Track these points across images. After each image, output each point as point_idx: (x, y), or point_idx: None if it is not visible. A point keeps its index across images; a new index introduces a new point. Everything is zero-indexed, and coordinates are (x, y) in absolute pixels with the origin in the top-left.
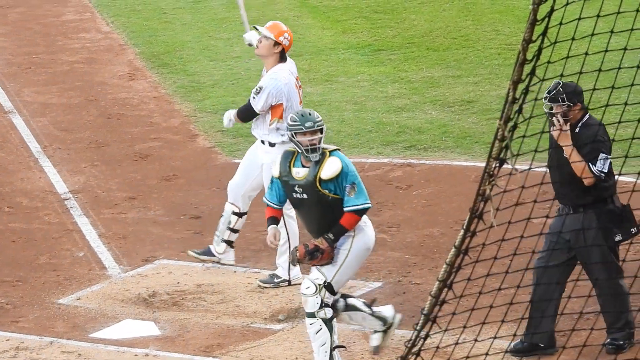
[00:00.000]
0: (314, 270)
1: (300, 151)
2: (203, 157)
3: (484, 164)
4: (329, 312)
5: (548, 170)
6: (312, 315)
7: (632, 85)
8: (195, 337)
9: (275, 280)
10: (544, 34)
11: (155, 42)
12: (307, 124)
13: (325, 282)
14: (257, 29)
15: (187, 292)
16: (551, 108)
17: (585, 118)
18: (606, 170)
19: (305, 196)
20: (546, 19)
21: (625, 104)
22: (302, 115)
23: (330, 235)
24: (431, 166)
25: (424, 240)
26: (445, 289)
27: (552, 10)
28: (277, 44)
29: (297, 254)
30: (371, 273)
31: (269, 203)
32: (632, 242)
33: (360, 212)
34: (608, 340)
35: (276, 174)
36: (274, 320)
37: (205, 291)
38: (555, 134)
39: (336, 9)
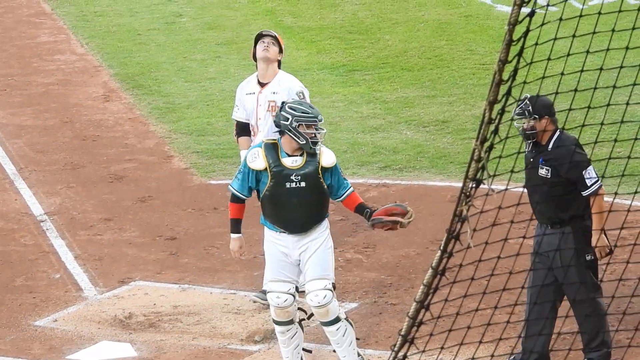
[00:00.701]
0: (313, 281)
1: (302, 142)
2: (178, 178)
3: (459, 184)
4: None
5: (525, 190)
6: (337, 320)
7: (608, 105)
8: (172, 358)
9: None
10: (519, 54)
11: (130, 63)
12: (320, 117)
13: (332, 283)
14: (264, 34)
15: (163, 313)
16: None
17: (557, 135)
18: (595, 176)
19: (303, 184)
20: (522, 40)
21: (602, 123)
22: (311, 106)
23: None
24: (406, 186)
25: (399, 261)
26: (423, 310)
27: (527, 31)
28: (281, 51)
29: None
30: (347, 294)
31: (237, 194)
32: (609, 262)
33: None
34: None
35: (261, 166)
36: (250, 342)
37: (182, 312)
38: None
39: (310, 29)
